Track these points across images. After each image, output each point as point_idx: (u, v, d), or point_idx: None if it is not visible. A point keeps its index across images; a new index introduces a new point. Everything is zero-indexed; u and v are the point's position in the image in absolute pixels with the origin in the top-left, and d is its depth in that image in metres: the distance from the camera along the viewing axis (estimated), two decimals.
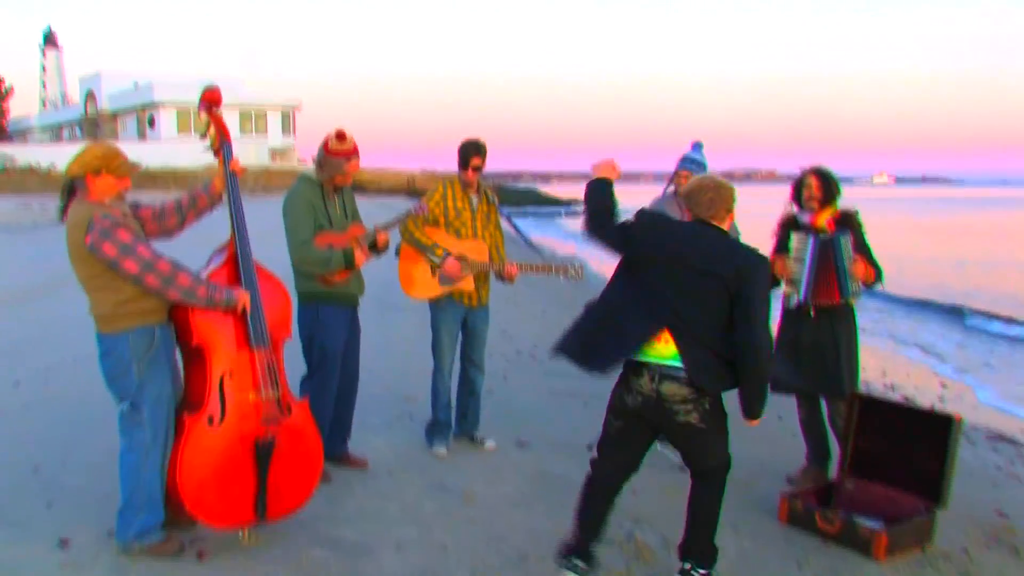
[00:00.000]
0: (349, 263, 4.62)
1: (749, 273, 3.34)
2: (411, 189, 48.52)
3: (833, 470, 4.93)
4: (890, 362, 10.61)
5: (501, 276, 5.25)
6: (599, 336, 3.49)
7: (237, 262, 3.98)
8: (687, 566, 3.61)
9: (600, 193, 3.66)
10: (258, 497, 3.86)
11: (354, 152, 4.66)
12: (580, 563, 3.61)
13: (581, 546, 3.63)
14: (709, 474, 3.57)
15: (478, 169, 5.18)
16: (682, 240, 3.46)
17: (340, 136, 4.64)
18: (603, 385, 7.12)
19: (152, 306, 3.72)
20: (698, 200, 3.49)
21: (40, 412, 5.98)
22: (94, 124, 54.93)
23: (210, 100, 4.12)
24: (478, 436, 5.56)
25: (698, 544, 3.62)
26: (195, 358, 3.90)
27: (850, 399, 4.75)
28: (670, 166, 5.46)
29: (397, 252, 5.27)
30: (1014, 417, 8.05)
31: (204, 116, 4.12)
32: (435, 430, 5.46)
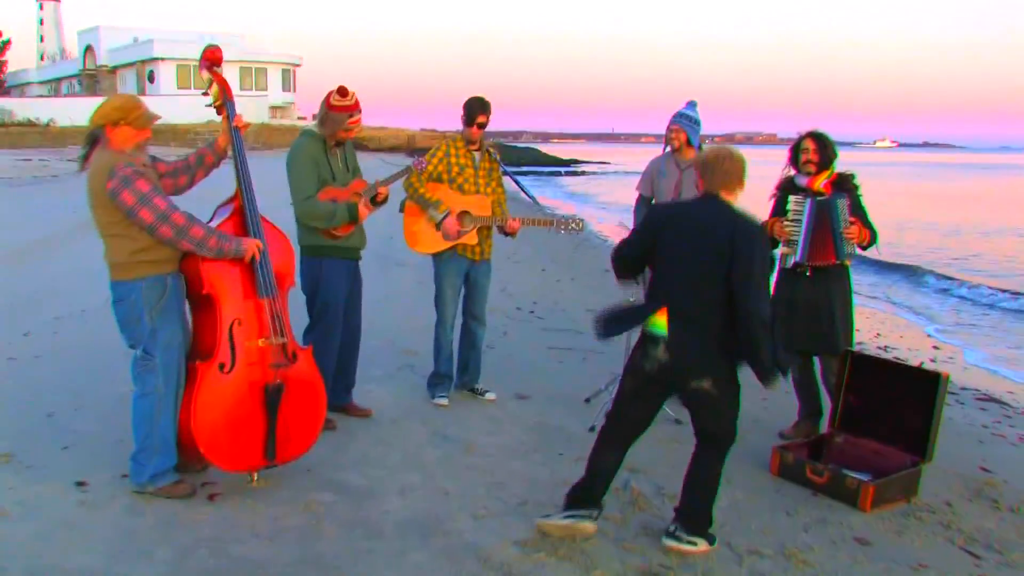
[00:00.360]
0: (352, 217, 4.72)
1: (744, 239, 3.40)
2: (411, 147, 48.38)
3: (824, 426, 5.08)
4: (884, 324, 10.75)
5: (503, 230, 5.35)
6: (622, 311, 3.75)
7: (243, 214, 4.07)
8: (675, 529, 3.70)
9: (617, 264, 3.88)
10: (267, 441, 3.99)
11: (356, 107, 4.73)
12: (590, 511, 3.73)
13: (588, 492, 3.74)
14: (713, 442, 3.68)
15: (483, 126, 5.26)
16: (684, 213, 3.61)
17: (342, 92, 4.71)
18: (600, 342, 7.24)
19: (165, 256, 3.83)
20: (715, 169, 3.53)
21: (51, 361, 6.09)
22: (93, 79, 54.48)
23: (211, 59, 4.18)
24: (479, 388, 5.69)
25: (693, 509, 3.71)
26: (205, 307, 4.00)
27: (841, 356, 4.88)
28: None
29: (401, 208, 5.36)
30: (1003, 379, 8.20)
31: (206, 75, 4.18)
32: (437, 381, 5.58)
